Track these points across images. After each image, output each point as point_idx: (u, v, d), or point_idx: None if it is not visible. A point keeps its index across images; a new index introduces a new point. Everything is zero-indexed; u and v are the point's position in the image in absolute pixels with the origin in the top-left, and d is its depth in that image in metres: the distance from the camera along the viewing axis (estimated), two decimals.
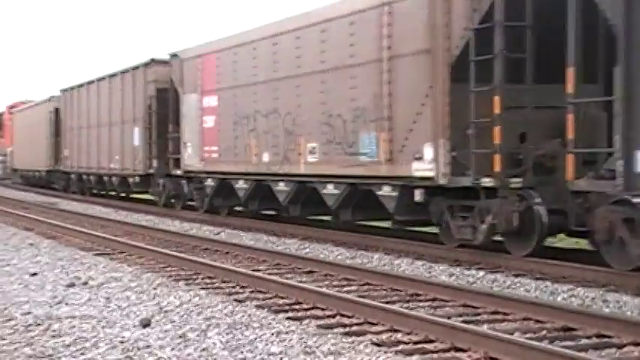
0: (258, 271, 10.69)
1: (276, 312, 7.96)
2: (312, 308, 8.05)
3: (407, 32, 11.89)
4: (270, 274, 10.39)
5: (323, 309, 7.95)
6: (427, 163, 11.39)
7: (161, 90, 20.52)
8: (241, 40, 16.61)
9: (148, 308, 8.36)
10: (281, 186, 15.17)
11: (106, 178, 24.87)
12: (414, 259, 11.59)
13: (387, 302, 8.33)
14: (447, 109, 11.14)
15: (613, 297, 8.44)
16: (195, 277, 10.20)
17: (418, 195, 11.71)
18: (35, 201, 26.29)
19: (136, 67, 22.14)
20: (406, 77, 11.89)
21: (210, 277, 10.07)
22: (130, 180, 22.63)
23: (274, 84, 15.31)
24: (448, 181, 11.21)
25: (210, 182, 17.96)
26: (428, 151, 11.39)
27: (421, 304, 8.36)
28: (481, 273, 10.22)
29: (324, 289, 8.49)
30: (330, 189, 13.76)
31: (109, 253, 12.63)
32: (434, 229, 12.68)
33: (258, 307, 8.22)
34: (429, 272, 10.62)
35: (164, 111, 20.25)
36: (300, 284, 8.80)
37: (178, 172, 19.35)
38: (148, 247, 12.46)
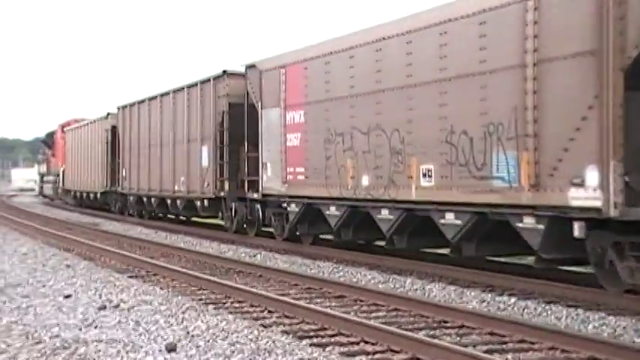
0: (289, 295, 10.71)
1: (301, 338, 7.95)
2: (337, 335, 8.02)
3: (561, 30, 9.87)
4: (299, 298, 10.40)
5: (347, 335, 7.91)
6: (591, 191, 9.38)
7: (234, 105, 18.67)
8: (335, 47, 14.62)
9: (176, 332, 8.42)
10: (384, 214, 13.20)
11: (169, 201, 23.11)
12: (447, 283, 11.48)
13: (414, 329, 8.28)
14: (618, 123, 9.17)
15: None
16: (224, 300, 10.23)
17: (578, 229, 9.65)
18: (79, 221, 26.68)
19: (205, 81, 20.36)
20: (559, 85, 9.90)
21: (239, 301, 10.09)
22: (198, 203, 20.71)
23: (377, 96, 13.35)
24: (621, 213, 9.12)
25: (293, 207, 15.90)
26: (592, 176, 9.40)
27: (448, 331, 8.28)
28: (513, 300, 10.08)
29: (349, 316, 8.44)
30: (449, 218, 11.73)
31: (142, 276, 12.75)
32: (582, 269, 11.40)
33: (283, 332, 8.21)
34: (461, 298, 10.52)
35: (238, 128, 18.34)
36: (326, 310, 8.77)
37: (255, 196, 17.36)
38: (181, 269, 12.53)
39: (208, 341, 7.97)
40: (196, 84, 20.83)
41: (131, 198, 26.76)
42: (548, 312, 9.37)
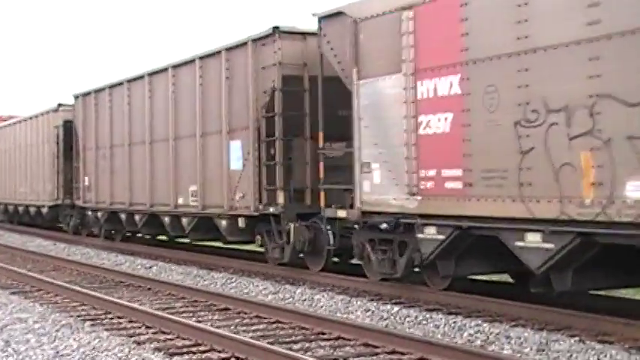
0: (173, 308, 10.51)
1: (172, 355, 7.76)
2: (209, 350, 7.86)
3: None
4: (183, 312, 10.21)
5: (219, 351, 7.76)
6: None
7: (288, 79, 13.18)
8: None
9: (45, 352, 8.12)
10: None
11: (166, 219, 16.74)
12: (336, 293, 11.43)
13: (290, 342, 8.19)
14: None
15: (515, 333, 8.34)
16: (103, 316, 9.96)
17: None
18: None
19: (237, 46, 14.15)
20: None
21: (118, 317, 9.83)
22: (223, 223, 14.57)
23: None
24: None
25: (432, 234, 10.13)
26: None
27: (324, 343, 8.20)
28: (396, 308, 10.08)
29: (220, 330, 8.29)
30: None
31: (25, 292, 12.34)
32: None
33: (155, 349, 8.01)
34: (347, 307, 10.47)
35: (293, 112, 13.13)
36: (199, 325, 8.60)
37: (343, 215, 11.69)
38: (65, 284, 12.18)
39: None
40: (217, 53, 14.67)
41: (99, 214, 20.27)
42: (429, 320, 9.39)
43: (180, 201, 16.06)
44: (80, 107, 21.30)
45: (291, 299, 11.34)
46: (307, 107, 13.14)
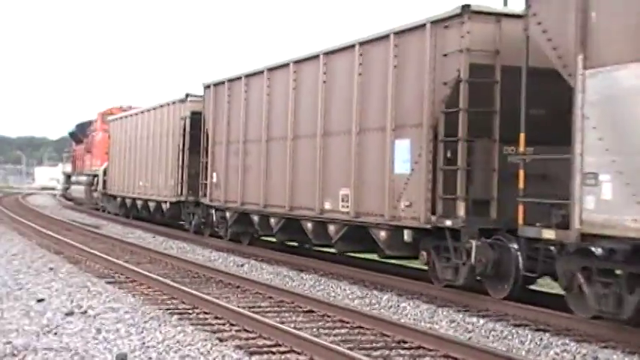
0: (259, 307, 10.63)
1: (252, 354, 7.85)
2: (289, 352, 7.91)
3: None
4: (268, 311, 10.32)
5: (298, 353, 7.79)
6: None
7: (478, 67, 11.14)
8: None
9: (132, 342, 8.36)
10: None
11: (309, 226, 14.78)
12: (423, 302, 11.32)
13: (370, 348, 8.16)
14: None
15: (604, 355, 8.06)
16: (191, 311, 10.16)
17: None
18: (83, 223, 26.74)
19: (403, 31, 12.38)
20: None
21: (205, 312, 10.01)
22: (382, 235, 12.66)
23: None
24: None
25: None
26: None
27: (403, 352, 8.13)
28: (482, 321, 9.91)
29: (301, 333, 8.32)
30: None
31: (120, 282, 12.72)
32: None
33: (237, 347, 8.12)
34: (432, 317, 10.36)
35: (486, 108, 11.15)
36: (280, 325, 8.65)
37: (549, 235, 9.57)
38: (157, 277, 12.48)
39: (160, 353, 7.90)
40: (383, 37, 12.75)
41: (227, 214, 18.70)
42: (514, 335, 9.19)
43: (327, 205, 14.15)
44: (211, 98, 19.48)
45: (377, 305, 11.30)
46: (497, 103, 11.12)
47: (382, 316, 9.92)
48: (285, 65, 15.93)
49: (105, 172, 31.57)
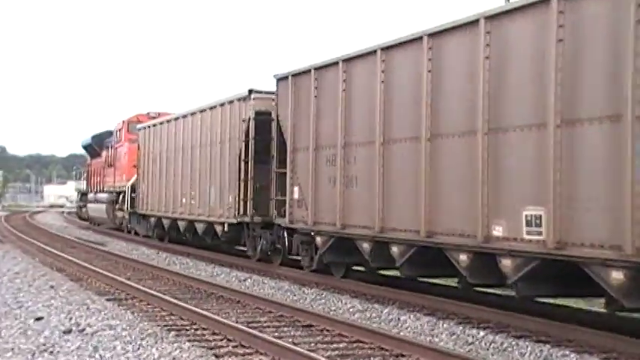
0: (258, 322, 10.56)
1: None
2: None
3: None
4: (267, 326, 10.25)
5: None
6: None
7: None
8: None
9: None
10: None
11: (462, 259, 10.83)
12: (424, 314, 11.23)
13: None
14: None
15: None
16: (188, 327, 10.09)
17: None
18: (88, 240, 26.72)
19: None
20: None
21: (203, 328, 9.95)
22: (617, 277, 8.48)
23: None
24: None
25: None
26: None
27: None
28: (482, 333, 9.81)
29: (298, 348, 8.25)
30: None
31: (120, 299, 12.67)
32: None
33: None
34: (432, 329, 10.27)
35: None
36: (277, 341, 8.58)
37: None
38: (157, 294, 12.43)
39: None
40: None
41: (318, 240, 14.59)
42: (514, 347, 9.10)
43: (499, 231, 10.08)
44: (288, 92, 15.46)
45: (377, 318, 11.22)
46: None
47: (381, 329, 9.84)
48: (417, 39, 11.78)
49: (133, 189, 27.13)
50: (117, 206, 30.24)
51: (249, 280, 15.77)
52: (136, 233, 27.57)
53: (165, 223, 23.77)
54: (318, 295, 13.34)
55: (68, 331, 9.92)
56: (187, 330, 9.93)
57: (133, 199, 27.10)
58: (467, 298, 12.03)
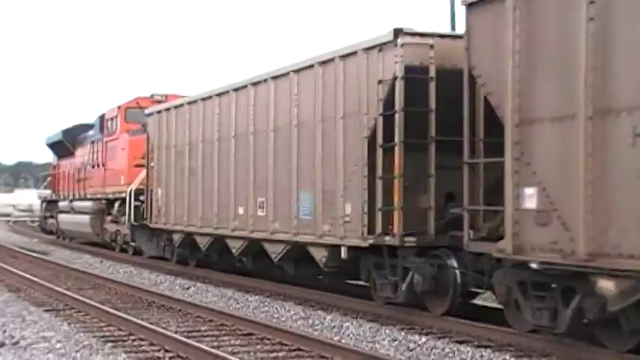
0: (199, 332, 10.39)
1: None
2: None
3: None
4: (207, 335, 10.09)
5: None
6: None
7: None
8: None
9: None
10: None
11: None
12: (367, 320, 11.15)
13: None
14: None
15: None
16: (126, 338, 9.87)
17: None
18: (31, 249, 26.12)
19: None
20: None
21: (140, 339, 9.73)
22: None
23: None
24: None
25: None
26: None
27: None
28: (424, 339, 9.76)
29: (233, 358, 8.10)
30: None
31: (58, 309, 12.38)
32: None
33: None
34: (374, 336, 10.18)
35: None
36: (214, 351, 8.43)
37: None
38: (94, 304, 12.17)
39: None
40: None
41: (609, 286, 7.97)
42: (456, 352, 9.06)
43: None
44: (506, 23, 8.89)
45: (319, 325, 11.10)
46: None
47: (321, 337, 9.73)
48: None
49: (137, 195, 20.50)
50: (109, 218, 23.52)
51: (192, 287, 15.54)
52: (136, 253, 21.63)
53: (202, 241, 16.59)
54: (262, 303, 13.18)
55: (1, 345, 9.64)
56: (124, 341, 9.71)
57: (137, 209, 20.40)
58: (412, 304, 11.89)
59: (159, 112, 19.05)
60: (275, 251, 13.88)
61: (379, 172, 11.05)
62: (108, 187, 23.74)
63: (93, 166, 25.49)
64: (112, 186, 23.27)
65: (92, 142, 25.92)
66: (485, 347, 9.23)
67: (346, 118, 11.91)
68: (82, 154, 27.24)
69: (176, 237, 17.99)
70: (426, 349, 9.31)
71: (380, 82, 11.06)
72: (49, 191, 33.93)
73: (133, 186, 20.80)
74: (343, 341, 9.75)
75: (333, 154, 12.09)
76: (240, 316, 11.24)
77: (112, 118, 24.05)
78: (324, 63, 12.45)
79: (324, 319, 11.47)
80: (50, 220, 31.93)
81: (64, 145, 29.40)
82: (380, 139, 11.06)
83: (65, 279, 16.97)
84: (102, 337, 10.00)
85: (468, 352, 9.04)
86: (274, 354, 8.96)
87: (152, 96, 22.79)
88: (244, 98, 14.86)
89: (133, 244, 21.57)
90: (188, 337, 9.45)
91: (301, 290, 13.87)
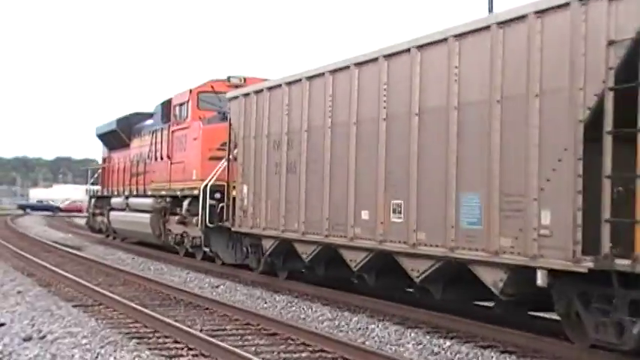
0: (224, 330, 10.41)
1: None
2: None
3: None
4: (232, 334, 10.11)
5: None
6: None
7: None
8: None
9: None
10: None
11: None
12: (393, 323, 11.09)
13: None
14: None
15: None
16: (151, 335, 9.92)
17: None
18: (65, 244, 26.43)
19: None
20: None
21: (165, 336, 9.78)
22: None
23: None
24: None
25: None
26: None
27: None
28: (448, 343, 9.68)
29: (257, 358, 8.09)
30: None
31: (87, 305, 12.49)
32: None
33: None
34: (399, 339, 10.12)
35: None
36: (237, 350, 8.43)
37: None
38: (122, 300, 12.25)
39: None
40: None
41: None
42: (479, 357, 8.98)
43: None
44: None
45: (345, 327, 11.06)
46: None
47: (345, 338, 9.69)
48: None
49: (212, 193, 17.41)
50: (175, 218, 20.38)
51: (222, 286, 15.59)
52: (207, 259, 18.85)
53: (304, 251, 13.61)
54: (289, 303, 13.18)
55: (28, 339, 9.74)
56: (149, 338, 9.76)
57: (212, 209, 17.39)
58: (438, 307, 11.81)
59: (246, 95, 15.83)
60: (417, 269, 10.77)
61: (607, 169, 7.98)
62: (175, 182, 20.56)
63: (155, 159, 22.42)
64: (180, 182, 20.11)
65: (153, 132, 22.89)
66: (510, 353, 9.12)
67: (545, 95, 8.77)
68: (138, 146, 24.49)
69: (267, 243, 14.87)
70: (451, 354, 9.24)
71: (611, 43, 8.03)
72: (96, 187, 31.90)
73: (209, 182, 17.52)
74: (367, 343, 9.71)
75: (521, 143, 9.02)
76: (266, 315, 11.24)
77: (180, 104, 20.66)
78: (505, 23, 9.40)
79: (350, 320, 11.43)
80: (100, 218, 29.42)
81: (118, 135, 26.65)
82: (609, 123, 7.99)
83: (96, 275, 17.13)
84: (127, 333, 10.06)
85: (492, 357, 8.95)
86: (297, 354, 8.95)
87: (228, 79, 19.88)
88: (372, 75, 11.77)
89: (205, 249, 18.44)
90: (213, 336, 9.48)
91: (329, 291, 13.83)
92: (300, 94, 13.72)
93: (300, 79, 13.76)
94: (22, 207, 79.11)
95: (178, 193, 20.23)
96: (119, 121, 26.88)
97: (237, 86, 18.50)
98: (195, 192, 18.41)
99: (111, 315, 11.53)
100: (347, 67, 12.46)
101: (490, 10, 19.40)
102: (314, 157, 13.29)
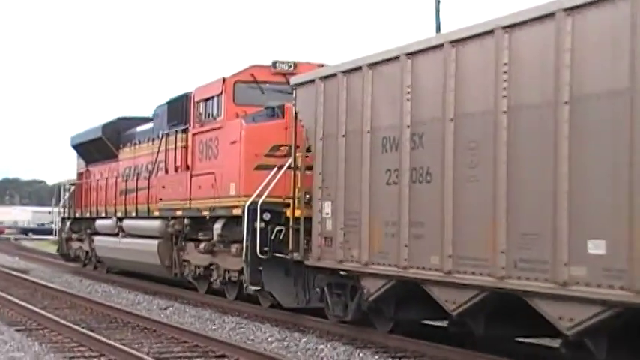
0: (170, 353, 10.31)
1: None
2: None
3: None
4: (180, 357, 10.03)
5: None
6: None
7: None
8: None
9: None
10: None
11: None
12: (342, 343, 11.08)
13: None
14: None
15: None
16: (97, 359, 9.77)
17: None
18: (11, 267, 25.88)
19: None
20: None
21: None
22: None
23: None
24: None
25: None
26: None
27: None
28: None
29: None
30: None
31: (30, 329, 12.25)
32: None
33: None
34: (348, 358, 10.12)
35: None
36: None
37: None
38: (67, 324, 12.05)
39: None
40: None
41: None
42: None
43: None
44: None
45: (294, 347, 11.02)
46: None
47: (294, 359, 9.65)
48: None
49: (261, 215, 13.07)
50: (201, 246, 15.45)
51: (170, 308, 15.43)
52: (242, 298, 14.80)
53: (447, 298, 9.49)
54: (238, 324, 13.09)
55: None
56: None
57: (263, 234, 13.02)
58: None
59: (326, 77, 11.89)
60: None
61: None
62: (198, 200, 15.74)
63: (164, 171, 17.62)
64: (209, 199, 15.22)
65: (154, 139, 18.49)
66: None
67: None
68: (131, 157, 20.40)
69: (371, 285, 10.80)
70: None
71: None
72: (56, 209, 26.96)
73: (258, 198, 13.09)
74: None
75: None
76: (215, 337, 11.16)
77: (207, 100, 15.86)
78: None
79: (300, 340, 11.40)
80: (76, 244, 24.76)
81: (103, 144, 21.96)
82: None
83: (42, 298, 16.82)
84: (72, 357, 9.91)
85: None
86: None
87: (274, 65, 15.26)
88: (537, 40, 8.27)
89: (252, 287, 13.55)
90: (160, 359, 9.37)
91: (279, 312, 13.77)
92: (442, 67, 9.48)
93: (442, 44, 9.53)
94: None
95: (205, 213, 15.35)
96: (105, 127, 22.11)
97: (284, 74, 14.90)
98: (235, 212, 13.96)
99: (56, 339, 11.33)
100: (474, 38, 9.03)
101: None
102: (471, 158, 9.08)
